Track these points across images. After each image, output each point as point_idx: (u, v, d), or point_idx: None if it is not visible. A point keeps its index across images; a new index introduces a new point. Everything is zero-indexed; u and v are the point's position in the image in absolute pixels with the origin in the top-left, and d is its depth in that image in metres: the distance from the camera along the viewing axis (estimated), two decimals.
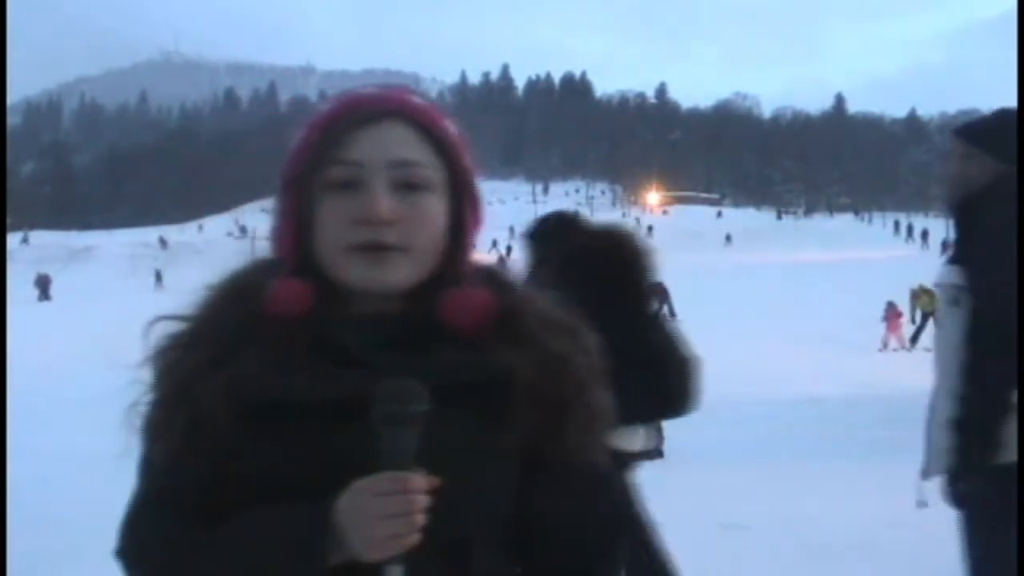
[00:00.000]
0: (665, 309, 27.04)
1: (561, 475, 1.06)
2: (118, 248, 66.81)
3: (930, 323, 17.99)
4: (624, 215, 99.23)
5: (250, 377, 0.98)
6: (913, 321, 18.63)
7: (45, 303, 38.51)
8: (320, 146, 1.00)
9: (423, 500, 0.91)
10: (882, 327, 18.09)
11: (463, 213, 1.05)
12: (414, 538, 0.90)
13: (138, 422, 1.03)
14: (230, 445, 0.97)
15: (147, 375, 1.04)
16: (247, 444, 0.97)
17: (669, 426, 7.98)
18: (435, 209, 1.01)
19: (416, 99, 1.05)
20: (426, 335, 1.02)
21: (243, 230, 72.29)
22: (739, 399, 11.71)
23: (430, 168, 1.01)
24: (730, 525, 5.48)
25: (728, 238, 68.16)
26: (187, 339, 1.03)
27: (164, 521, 1.01)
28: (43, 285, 40.83)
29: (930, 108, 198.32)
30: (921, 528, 5.43)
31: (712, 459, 7.67)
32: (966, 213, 2.55)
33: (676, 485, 6.61)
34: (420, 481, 0.91)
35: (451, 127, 1.06)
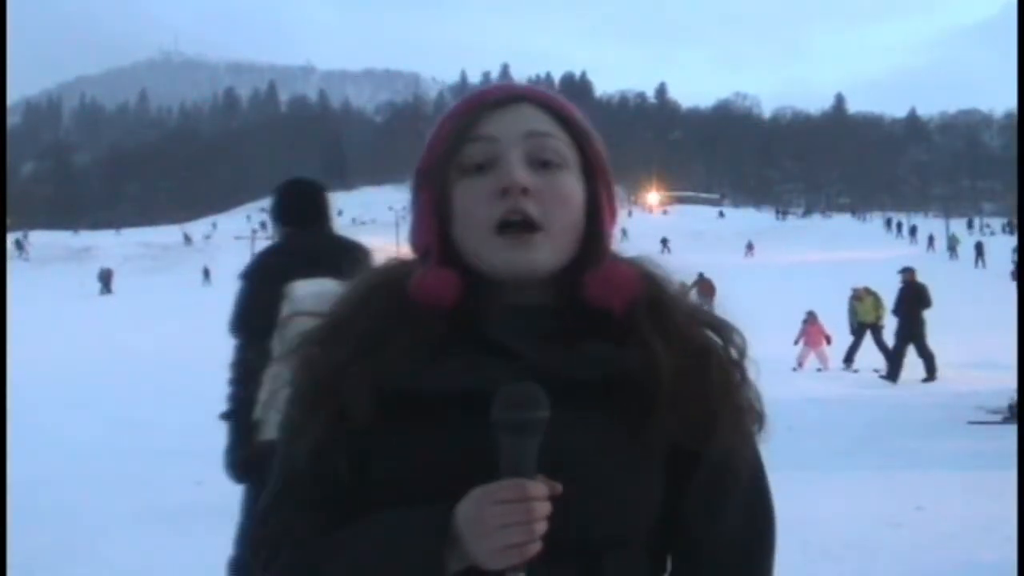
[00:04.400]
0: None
1: (711, 477, 1.02)
2: (120, 248, 66.85)
3: (867, 338, 15.05)
4: (629, 214, 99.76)
5: (396, 367, 0.96)
6: (853, 332, 15.41)
7: (107, 296, 39.76)
8: (455, 130, 1.01)
9: (544, 508, 0.88)
10: (801, 341, 15.40)
11: (598, 197, 1.03)
12: (535, 547, 0.88)
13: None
14: (371, 439, 0.96)
15: (286, 373, 1.03)
16: (389, 437, 0.96)
17: None
18: (572, 186, 1.01)
19: (543, 88, 1.07)
20: (576, 324, 1.00)
21: (263, 226, 72.22)
22: None
23: (563, 144, 1.01)
24: None
25: (662, 241, 59.61)
26: (327, 335, 1.02)
27: (296, 520, 1.00)
28: (105, 279, 42.19)
29: (919, 110, 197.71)
30: (921, 528, 5.44)
31: None
32: None
33: None
34: (540, 488, 0.88)
35: (581, 115, 1.06)
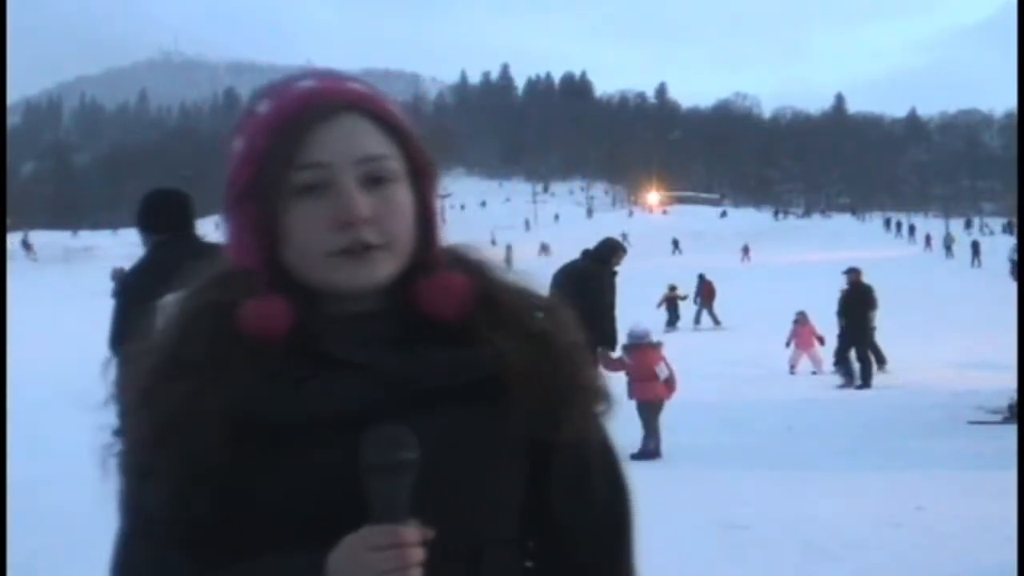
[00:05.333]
0: (705, 313, 23.43)
1: (569, 462, 1.04)
2: (121, 248, 66.87)
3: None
4: (632, 213, 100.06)
5: (242, 397, 0.93)
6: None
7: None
8: (279, 150, 0.95)
9: (418, 553, 0.88)
10: (793, 343, 14.76)
11: (427, 198, 1.02)
12: None
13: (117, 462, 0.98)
14: (228, 475, 0.92)
15: (119, 411, 0.98)
16: (246, 472, 0.92)
17: (669, 426, 8.01)
18: (404, 199, 0.99)
19: (359, 87, 1.01)
20: (415, 330, 0.99)
21: None
22: (739, 400, 11.71)
23: (393, 159, 0.98)
24: (730, 525, 5.49)
25: (673, 242, 61.94)
26: (163, 369, 0.96)
27: (155, 569, 0.96)
28: (119, 279, 42.60)
29: (919, 111, 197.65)
30: (920, 528, 5.45)
31: (712, 459, 7.67)
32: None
33: (676, 485, 6.60)
34: (414, 533, 0.88)
35: (399, 111, 1.03)
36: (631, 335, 8.28)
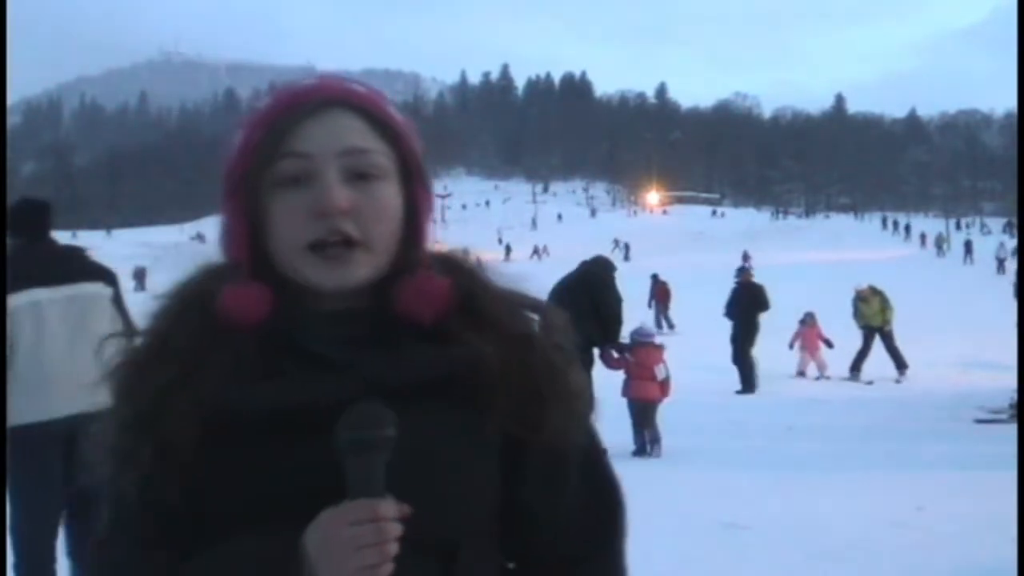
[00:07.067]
0: (662, 319, 22.53)
1: (546, 462, 1.03)
2: (124, 248, 66.88)
3: (878, 343, 13.90)
4: (636, 213, 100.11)
5: (217, 392, 0.94)
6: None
7: (141, 293, 40.45)
8: (267, 141, 0.97)
9: (395, 528, 0.88)
10: (796, 346, 14.32)
11: (417, 199, 1.02)
12: (387, 568, 0.88)
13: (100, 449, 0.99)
14: (203, 467, 0.93)
15: (105, 397, 1.00)
16: (220, 466, 0.94)
17: (669, 426, 8.02)
18: (390, 197, 0.99)
19: (358, 86, 1.03)
20: (392, 330, 0.99)
21: None
22: (739, 400, 11.73)
23: (381, 155, 0.99)
24: (730, 525, 5.49)
25: (624, 247, 55.12)
26: (146, 357, 0.99)
27: (133, 554, 0.98)
28: (140, 277, 42.90)
29: (917, 112, 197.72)
30: (921, 528, 5.44)
31: (712, 459, 7.68)
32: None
33: (676, 485, 6.61)
34: (391, 508, 0.89)
35: (395, 112, 1.03)
36: (636, 334, 8.37)
